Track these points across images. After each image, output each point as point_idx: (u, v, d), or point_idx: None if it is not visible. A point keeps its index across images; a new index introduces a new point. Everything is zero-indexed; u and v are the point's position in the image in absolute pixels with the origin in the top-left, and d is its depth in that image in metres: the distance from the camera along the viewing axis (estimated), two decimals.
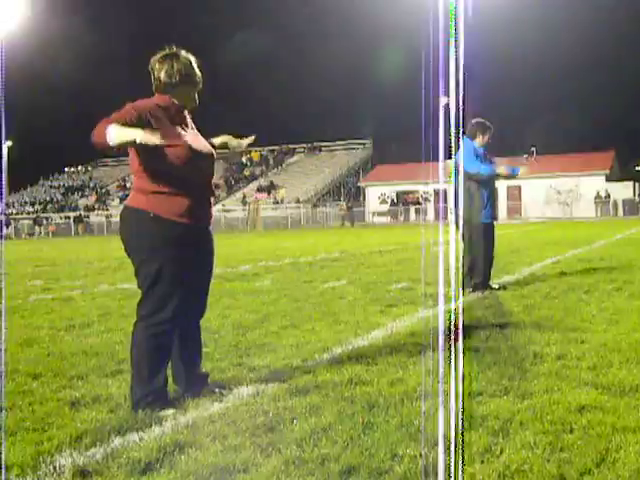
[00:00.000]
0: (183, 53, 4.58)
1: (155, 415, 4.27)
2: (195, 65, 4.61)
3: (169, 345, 4.57)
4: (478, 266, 9.48)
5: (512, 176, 10.22)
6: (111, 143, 4.03)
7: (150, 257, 4.43)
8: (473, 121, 9.84)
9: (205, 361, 5.35)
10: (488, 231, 9.65)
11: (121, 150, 4.21)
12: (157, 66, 4.53)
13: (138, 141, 4.02)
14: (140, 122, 4.22)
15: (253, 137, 5.27)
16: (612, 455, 3.45)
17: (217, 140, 5.06)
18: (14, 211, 77.32)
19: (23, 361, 5.90)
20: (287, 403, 4.46)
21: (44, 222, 61.91)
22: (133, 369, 4.51)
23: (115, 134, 4.03)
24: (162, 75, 4.50)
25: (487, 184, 9.63)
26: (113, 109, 4.33)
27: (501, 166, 9.85)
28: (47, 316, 8.50)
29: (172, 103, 4.50)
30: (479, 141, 9.69)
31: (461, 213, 9.73)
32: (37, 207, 77.82)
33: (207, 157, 4.62)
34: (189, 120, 4.66)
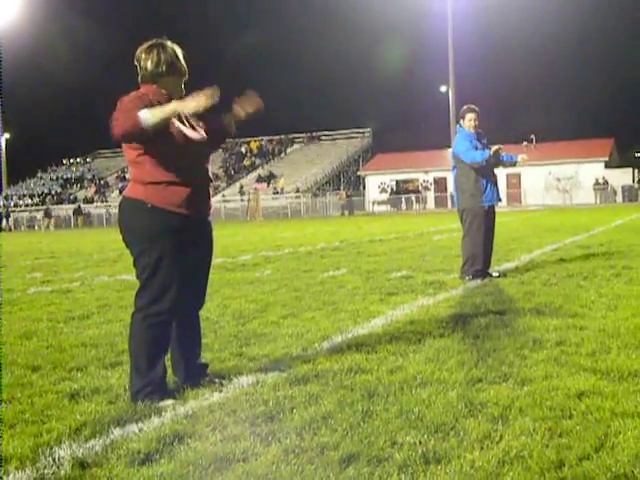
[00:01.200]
0: (169, 43, 4.55)
1: (154, 406, 4.27)
2: (181, 55, 4.58)
3: (168, 336, 4.57)
4: (478, 253, 9.46)
5: (511, 163, 10.19)
6: (147, 124, 4.05)
7: (148, 248, 4.42)
8: (462, 109, 9.94)
9: (205, 351, 5.35)
10: (489, 217, 9.64)
11: (151, 133, 4.16)
12: (143, 56, 4.51)
13: (180, 110, 4.15)
14: None
15: (256, 99, 4.97)
16: (611, 440, 3.45)
17: (226, 120, 4.95)
18: (12, 203, 77.26)
19: (22, 353, 5.90)
20: (287, 392, 4.46)
21: (53, 214, 61.60)
22: (132, 360, 4.51)
23: (150, 117, 4.06)
24: (148, 65, 4.48)
25: (485, 169, 9.61)
26: (110, 101, 4.32)
27: (496, 148, 9.73)
28: (46, 308, 8.50)
29: (160, 93, 4.47)
30: (466, 125, 9.70)
31: (460, 199, 9.74)
32: (48, 199, 77.63)
33: (201, 144, 4.60)
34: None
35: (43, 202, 76.19)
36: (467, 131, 9.67)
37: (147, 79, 4.51)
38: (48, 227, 57.31)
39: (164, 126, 4.18)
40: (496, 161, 9.77)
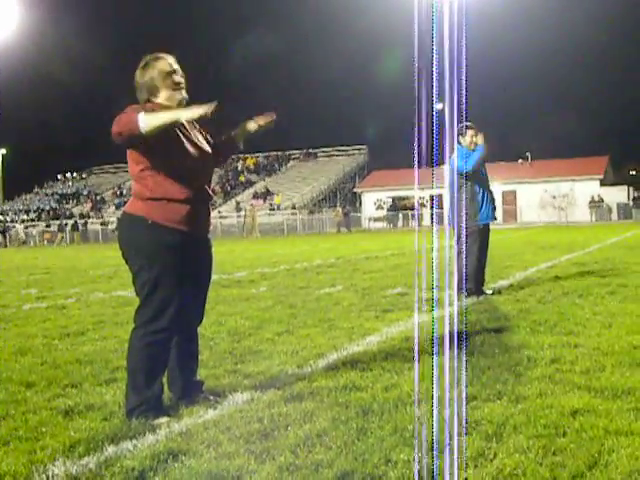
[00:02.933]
0: (161, 55, 4.56)
1: (149, 423, 4.27)
2: (176, 66, 4.58)
3: (166, 353, 4.56)
4: (471, 271, 9.48)
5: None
6: (144, 130, 4.05)
7: (148, 264, 4.41)
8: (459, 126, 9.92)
9: (200, 368, 5.34)
10: (483, 234, 9.65)
11: (146, 139, 4.16)
12: (139, 73, 4.53)
13: (184, 119, 4.15)
14: None
15: (272, 115, 4.92)
16: (604, 458, 3.45)
17: (234, 132, 4.95)
18: (9, 219, 77.18)
19: (17, 370, 5.89)
20: (282, 409, 4.46)
21: (66, 229, 61.41)
22: (129, 377, 4.49)
23: (149, 120, 4.06)
24: (145, 80, 4.49)
25: (480, 184, 9.63)
26: (107, 118, 4.33)
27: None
28: (41, 324, 8.49)
29: (161, 106, 4.47)
30: (466, 142, 9.73)
31: (456, 217, 9.73)
32: (44, 214, 77.47)
33: (205, 158, 4.61)
34: (185, 123, 4.61)
35: (39, 218, 76.11)
36: (466, 149, 9.67)
37: (145, 95, 4.53)
38: (60, 242, 56.95)
39: (163, 133, 4.17)
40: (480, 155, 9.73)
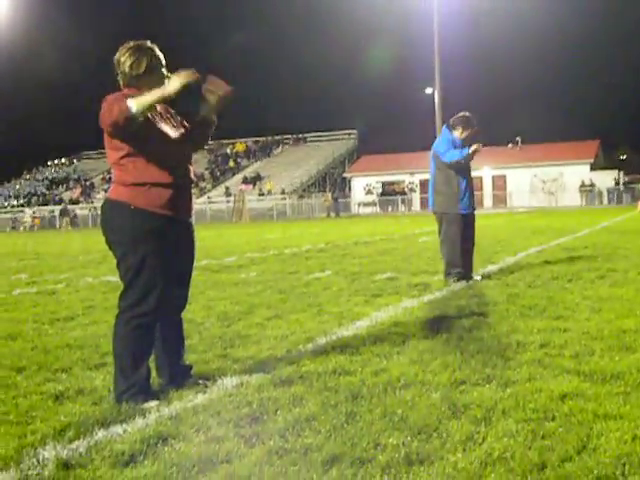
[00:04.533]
0: (147, 44, 4.57)
1: (138, 407, 4.28)
2: (159, 54, 4.58)
3: (151, 337, 4.58)
4: (456, 257, 9.42)
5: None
6: (137, 113, 4.13)
7: (131, 249, 4.43)
8: (460, 114, 9.80)
9: (189, 353, 5.36)
10: (467, 222, 9.58)
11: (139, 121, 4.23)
12: (122, 59, 4.52)
13: (170, 91, 4.21)
14: None
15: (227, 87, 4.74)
16: (593, 442, 3.47)
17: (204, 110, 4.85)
18: None
19: (7, 355, 5.89)
20: (271, 394, 4.47)
21: (70, 213, 61.14)
22: (116, 361, 4.51)
23: (138, 103, 4.14)
24: (126, 68, 4.50)
25: (464, 174, 9.55)
26: (96, 102, 4.33)
27: (474, 147, 9.48)
28: (31, 310, 8.48)
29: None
30: (458, 134, 9.60)
31: (436, 202, 9.68)
32: (33, 199, 77.26)
33: (184, 144, 4.61)
34: (159, 108, 4.60)
35: (29, 203, 75.87)
36: (452, 136, 9.60)
37: (128, 82, 4.52)
38: (66, 226, 56.59)
39: (147, 122, 4.20)
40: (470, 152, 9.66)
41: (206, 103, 4.78)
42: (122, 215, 4.44)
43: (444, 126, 9.82)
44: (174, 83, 4.22)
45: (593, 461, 3.23)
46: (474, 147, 9.34)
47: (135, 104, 4.12)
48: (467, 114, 9.73)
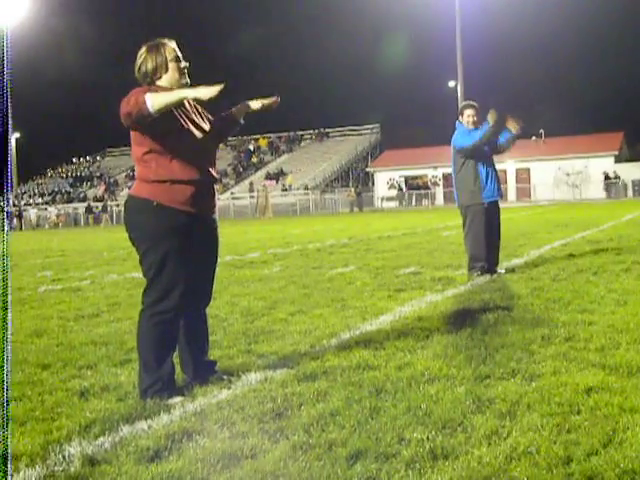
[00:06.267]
0: (165, 41, 4.58)
1: (163, 403, 4.30)
2: (178, 50, 4.59)
3: (175, 333, 4.60)
4: (480, 250, 9.38)
5: (510, 141, 9.74)
6: (152, 109, 4.12)
7: (154, 246, 4.44)
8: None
9: (214, 348, 5.37)
10: (491, 212, 9.53)
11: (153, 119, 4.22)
12: (141, 60, 4.54)
13: (190, 97, 4.19)
14: None
15: (276, 99, 4.90)
16: (619, 436, 3.45)
17: (236, 108, 4.92)
18: (23, 202, 77.49)
19: (33, 352, 5.93)
20: (295, 389, 4.47)
21: (94, 210, 61.44)
22: (140, 358, 4.53)
23: (156, 100, 4.13)
24: (149, 67, 4.51)
25: (483, 161, 9.50)
26: (119, 99, 4.34)
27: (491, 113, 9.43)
28: (56, 307, 8.54)
29: (165, 90, 4.47)
30: (464, 121, 9.60)
31: (460, 197, 9.67)
32: (58, 197, 77.73)
33: (206, 137, 4.62)
34: (185, 104, 4.62)
35: (54, 200, 76.35)
36: (465, 127, 9.59)
37: (149, 81, 4.54)
38: (107, 222, 56.75)
39: (164, 115, 4.20)
40: (498, 148, 9.65)
41: (246, 104, 4.84)
42: (145, 212, 4.45)
43: (457, 122, 9.76)
44: (198, 92, 4.19)
45: (619, 455, 3.21)
46: (490, 114, 9.25)
47: (153, 102, 4.12)
48: (465, 101, 9.88)
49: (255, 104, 4.83)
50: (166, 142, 4.39)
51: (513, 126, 9.50)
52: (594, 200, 53.48)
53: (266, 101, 4.84)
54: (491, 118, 9.26)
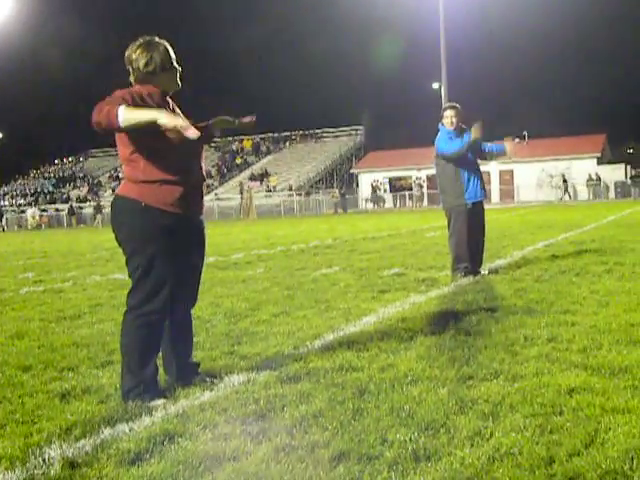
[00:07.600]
0: (158, 40, 4.55)
1: (145, 405, 4.27)
2: (171, 50, 4.57)
3: (159, 335, 4.57)
4: (463, 251, 9.38)
5: (499, 154, 10.02)
6: (122, 124, 4.03)
7: (141, 247, 4.41)
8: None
9: (196, 350, 5.35)
10: (474, 213, 9.54)
11: (123, 133, 4.23)
12: (134, 56, 4.50)
13: (160, 122, 4.04)
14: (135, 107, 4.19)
15: (253, 118, 5.06)
16: (601, 436, 3.45)
17: (214, 120, 4.96)
18: (6, 203, 77.07)
19: (14, 353, 5.89)
20: (278, 390, 4.46)
21: (76, 211, 61.13)
22: (123, 359, 4.50)
23: (128, 115, 4.02)
24: (141, 64, 4.47)
25: (464, 164, 9.51)
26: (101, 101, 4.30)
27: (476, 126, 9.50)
28: (38, 308, 8.49)
29: (155, 91, 4.46)
30: (445, 122, 9.61)
31: (443, 199, 9.69)
32: (72, 197, 77.37)
33: (195, 141, 4.59)
34: (173, 105, 4.61)
35: (36, 201, 75.95)
36: (446, 129, 9.61)
37: (140, 79, 4.50)
38: (99, 223, 56.39)
39: (143, 126, 4.14)
40: (484, 155, 9.73)
41: (224, 118, 4.89)
42: (133, 213, 4.41)
43: (439, 124, 9.76)
44: (172, 120, 4.06)
45: (601, 455, 3.21)
46: (475, 128, 9.30)
47: (124, 117, 4.01)
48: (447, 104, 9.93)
49: (235, 122, 4.92)
50: (152, 143, 4.35)
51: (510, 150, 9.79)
52: (577, 201, 53.66)
53: (244, 120, 4.92)
54: (475, 133, 9.27)
